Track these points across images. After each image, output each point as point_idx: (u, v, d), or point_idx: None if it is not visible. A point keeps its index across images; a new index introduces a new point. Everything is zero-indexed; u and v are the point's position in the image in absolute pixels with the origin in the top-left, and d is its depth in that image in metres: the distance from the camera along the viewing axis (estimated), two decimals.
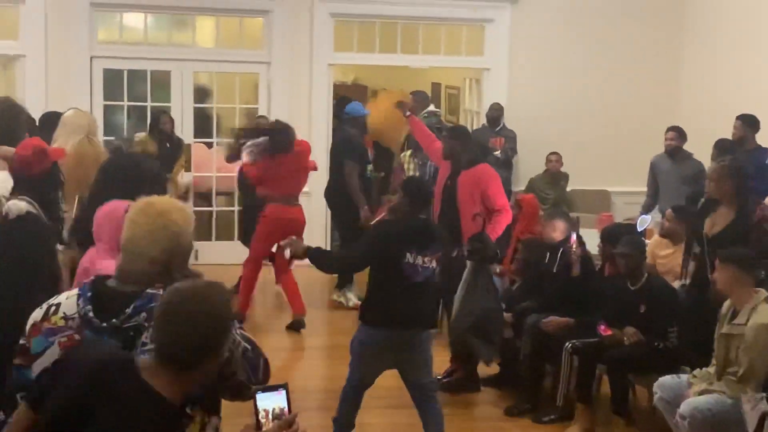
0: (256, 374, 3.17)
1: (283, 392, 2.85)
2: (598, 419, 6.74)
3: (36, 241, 4.23)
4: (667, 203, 8.96)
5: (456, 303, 6.95)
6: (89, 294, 3.06)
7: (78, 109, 7.05)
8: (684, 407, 5.77)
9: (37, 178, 5.03)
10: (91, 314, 3.01)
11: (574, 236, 7.21)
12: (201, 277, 3.42)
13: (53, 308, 3.11)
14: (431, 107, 11.43)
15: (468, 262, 6.97)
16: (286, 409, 2.83)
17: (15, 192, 4.69)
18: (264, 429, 2.79)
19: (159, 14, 11.96)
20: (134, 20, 11.99)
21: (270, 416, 2.82)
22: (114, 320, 2.99)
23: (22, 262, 3.95)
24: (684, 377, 6.13)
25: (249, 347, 3.16)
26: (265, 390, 2.85)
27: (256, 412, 2.81)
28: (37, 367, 3.02)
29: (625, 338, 6.52)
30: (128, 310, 2.98)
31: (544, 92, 11.89)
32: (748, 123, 9.32)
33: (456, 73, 13.92)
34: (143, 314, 2.99)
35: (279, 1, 11.56)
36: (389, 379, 6.20)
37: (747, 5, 10.82)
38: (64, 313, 3.08)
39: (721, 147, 8.99)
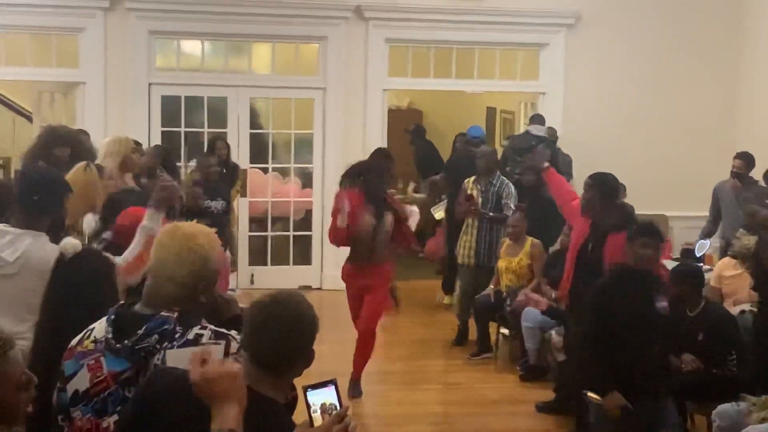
0: None
1: (333, 387, 2.89)
2: None
3: (97, 277, 4.19)
4: (729, 229, 8.91)
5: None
6: (112, 317, 3.15)
7: (118, 136, 7.28)
8: None
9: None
10: (109, 335, 3.10)
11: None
12: (232, 301, 3.52)
13: (88, 333, 3.22)
14: (535, 128, 11.34)
15: None
16: (337, 404, 2.87)
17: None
18: (316, 425, 2.83)
19: (216, 41, 12.08)
20: (191, 47, 12.14)
21: (321, 412, 2.85)
22: (126, 341, 3.06)
23: (87, 300, 3.85)
24: (743, 405, 6.07)
25: None
26: (314, 387, 2.88)
27: (308, 408, 2.84)
28: (70, 389, 3.13)
29: (683, 365, 6.48)
30: (140, 332, 3.06)
31: (600, 116, 11.87)
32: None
33: (511, 98, 13.95)
34: (155, 336, 3.06)
35: (334, 27, 11.66)
36: None
37: None
38: (95, 336, 3.18)
39: None
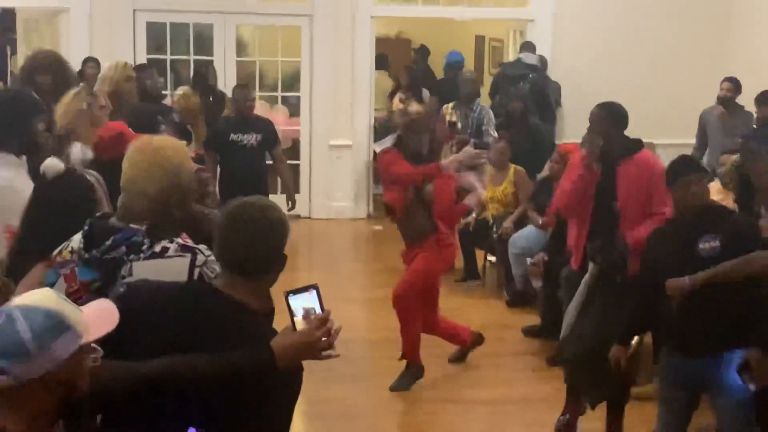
0: None
1: (314, 292, 2.88)
2: None
3: (78, 199, 4.09)
4: (715, 155, 8.93)
5: (567, 316, 5.97)
6: (86, 228, 3.20)
7: (116, 61, 7.20)
8: None
9: (110, 162, 5.06)
10: (81, 246, 3.15)
11: None
12: (207, 216, 3.53)
13: (68, 244, 3.27)
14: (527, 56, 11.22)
15: (590, 266, 5.74)
16: (318, 309, 2.87)
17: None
18: (299, 329, 2.83)
19: None
20: None
21: (303, 317, 2.84)
22: (94, 251, 3.12)
23: (65, 222, 3.68)
24: None
25: None
26: (296, 292, 2.86)
27: (291, 313, 2.84)
28: None
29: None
30: (108, 242, 3.10)
31: (589, 44, 11.81)
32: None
33: (500, 25, 13.84)
34: (123, 248, 3.10)
35: None
36: None
37: None
38: (72, 247, 3.23)
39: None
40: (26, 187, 4.45)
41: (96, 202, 4.05)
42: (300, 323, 2.83)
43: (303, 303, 2.86)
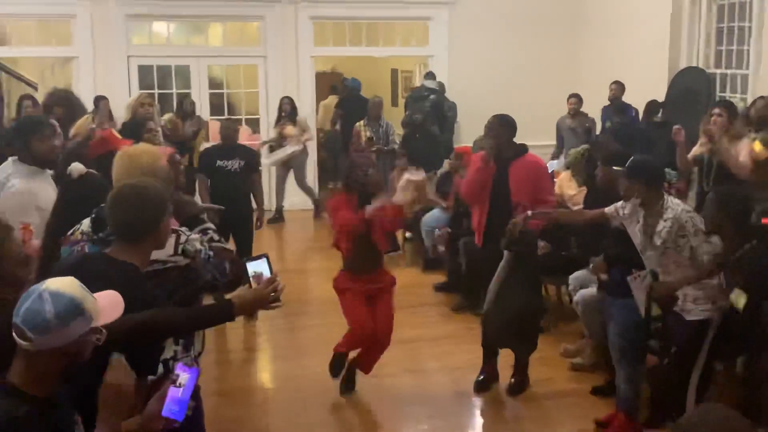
0: (223, 274, 3.20)
1: (265, 259, 2.89)
2: None
3: (97, 196, 4.09)
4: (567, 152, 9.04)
5: (490, 293, 5.46)
6: (93, 215, 3.16)
7: (139, 93, 7.06)
8: (578, 296, 5.77)
9: (97, 161, 4.94)
10: (90, 229, 3.11)
11: None
12: (191, 202, 3.50)
13: (79, 226, 3.22)
14: (429, 82, 10.96)
15: (505, 253, 5.37)
16: (268, 273, 2.86)
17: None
18: (254, 287, 2.84)
19: (179, 22, 11.79)
20: (160, 27, 11.82)
21: (256, 278, 2.85)
22: (101, 234, 3.07)
23: (84, 211, 3.74)
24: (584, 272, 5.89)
25: (211, 254, 3.18)
26: (250, 259, 2.88)
27: (247, 277, 2.85)
28: None
29: (539, 251, 6.13)
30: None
31: (475, 72, 11.83)
32: (621, 87, 9.91)
33: (409, 60, 13.86)
34: None
35: (271, 8, 11.42)
36: None
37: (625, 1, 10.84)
38: (82, 230, 3.19)
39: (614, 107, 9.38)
40: (40, 190, 4.34)
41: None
42: (254, 284, 2.83)
43: (256, 268, 2.86)
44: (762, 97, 5.89)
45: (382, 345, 5.42)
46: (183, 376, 2.38)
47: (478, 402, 5.54)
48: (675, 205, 4.54)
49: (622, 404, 4.90)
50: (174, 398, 2.36)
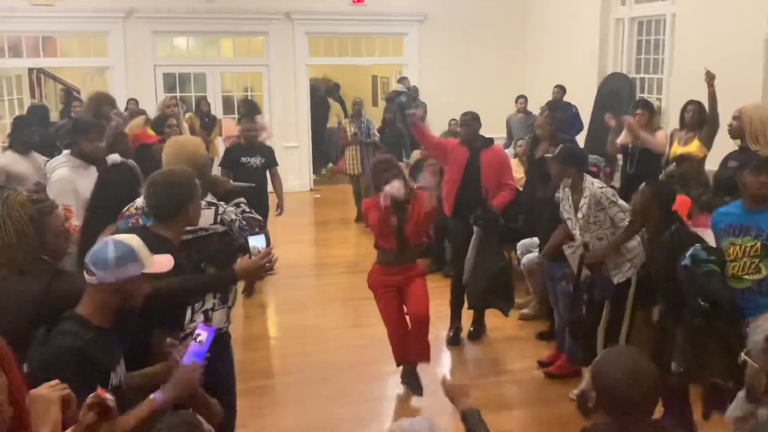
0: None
1: (263, 236, 2.92)
2: None
3: (127, 182, 3.89)
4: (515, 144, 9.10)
5: (467, 266, 5.34)
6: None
7: (165, 95, 6.94)
8: (525, 260, 5.75)
9: (134, 152, 4.97)
10: (143, 204, 3.07)
11: None
12: (224, 181, 3.50)
13: (133, 203, 3.22)
14: (399, 86, 10.79)
15: (475, 229, 5.27)
16: (264, 245, 2.88)
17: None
18: (253, 258, 2.86)
19: (197, 37, 11.68)
20: (181, 42, 11.72)
21: (255, 251, 2.86)
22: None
23: (117, 197, 3.55)
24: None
25: (243, 223, 3.16)
26: (252, 234, 2.91)
27: (247, 247, 2.87)
28: None
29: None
30: None
31: (442, 78, 11.81)
32: (562, 89, 9.66)
33: (386, 68, 13.79)
34: None
35: (273, 25, 11.32)
36: None
37: (566, 12, 10.84)
38: (137, 205, 3.19)
39: (550, 105, 9.14)
40: (80, 179, 4.30)
41: (138, 181, 3.98)
42: (254, 255, 2.85)
43: (255, 242, 2.89)
44: (692, 101, 5.91)
45: (420, 325, 4.54)
46: (203, 334, 2.41)
47: (443, 346, 5.61)
48: (590, 184, 4.41)
49: (563, 346, 4.91)
50: (194, 351, 2.39)
